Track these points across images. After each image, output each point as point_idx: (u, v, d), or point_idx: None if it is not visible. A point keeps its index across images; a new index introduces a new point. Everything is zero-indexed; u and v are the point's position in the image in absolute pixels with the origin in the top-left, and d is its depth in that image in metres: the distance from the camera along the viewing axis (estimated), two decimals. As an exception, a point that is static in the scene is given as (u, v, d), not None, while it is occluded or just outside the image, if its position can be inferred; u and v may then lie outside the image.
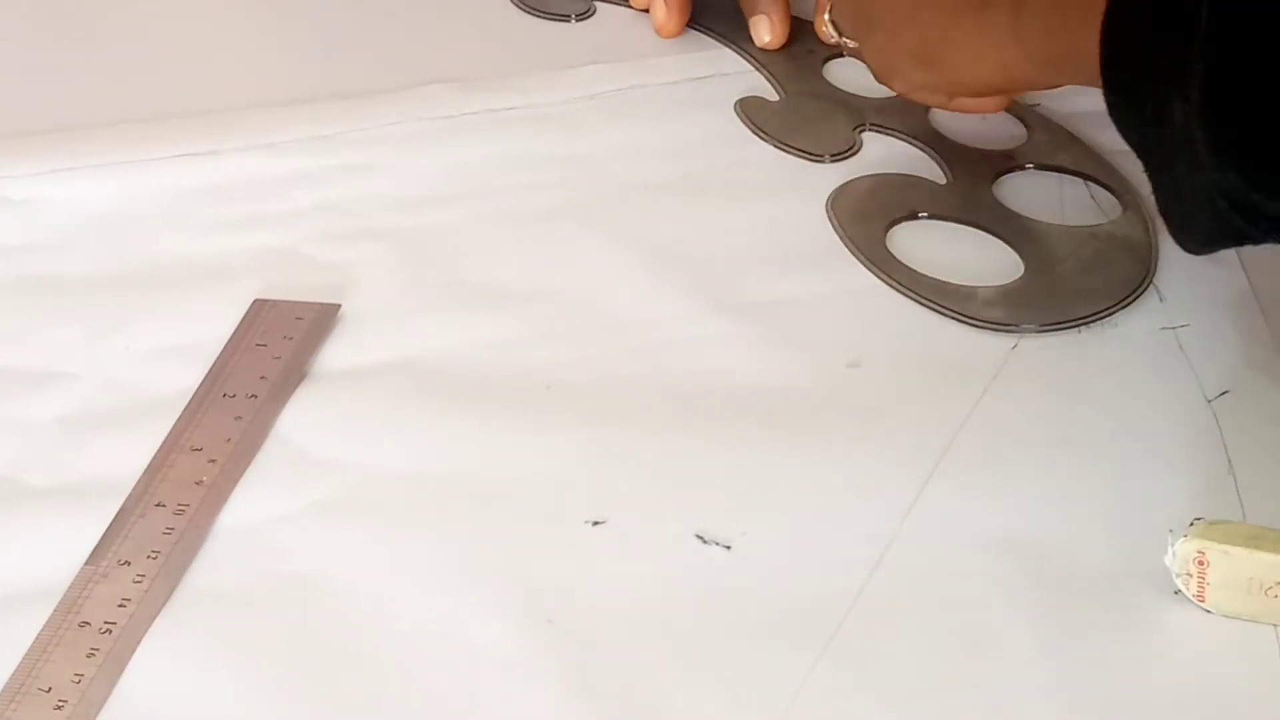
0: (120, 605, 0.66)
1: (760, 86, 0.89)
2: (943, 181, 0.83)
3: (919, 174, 0.83)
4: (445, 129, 0.86)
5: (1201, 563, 0.63)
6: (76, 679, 0.63)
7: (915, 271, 0.78)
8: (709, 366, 0.74)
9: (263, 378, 0.74)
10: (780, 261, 0.79)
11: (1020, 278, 0.77)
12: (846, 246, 0.79)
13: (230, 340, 0.76)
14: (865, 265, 0.78)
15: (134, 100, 0.89)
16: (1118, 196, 0.81)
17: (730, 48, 0.91)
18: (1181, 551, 0.63)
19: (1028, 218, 0.80)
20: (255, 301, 0.77)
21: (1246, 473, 0.68)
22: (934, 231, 0.80)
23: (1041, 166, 0.83)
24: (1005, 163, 0.83)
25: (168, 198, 0.83)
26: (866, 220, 0.81)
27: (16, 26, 0.95)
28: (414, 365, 0.75)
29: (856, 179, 0.83)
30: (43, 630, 0.65)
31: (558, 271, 0.79)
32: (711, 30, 0.92)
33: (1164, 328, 0.74)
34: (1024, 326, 0.75)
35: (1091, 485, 0.69)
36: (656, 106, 0.87)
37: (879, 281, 0.78)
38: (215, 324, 0.76)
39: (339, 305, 0.77)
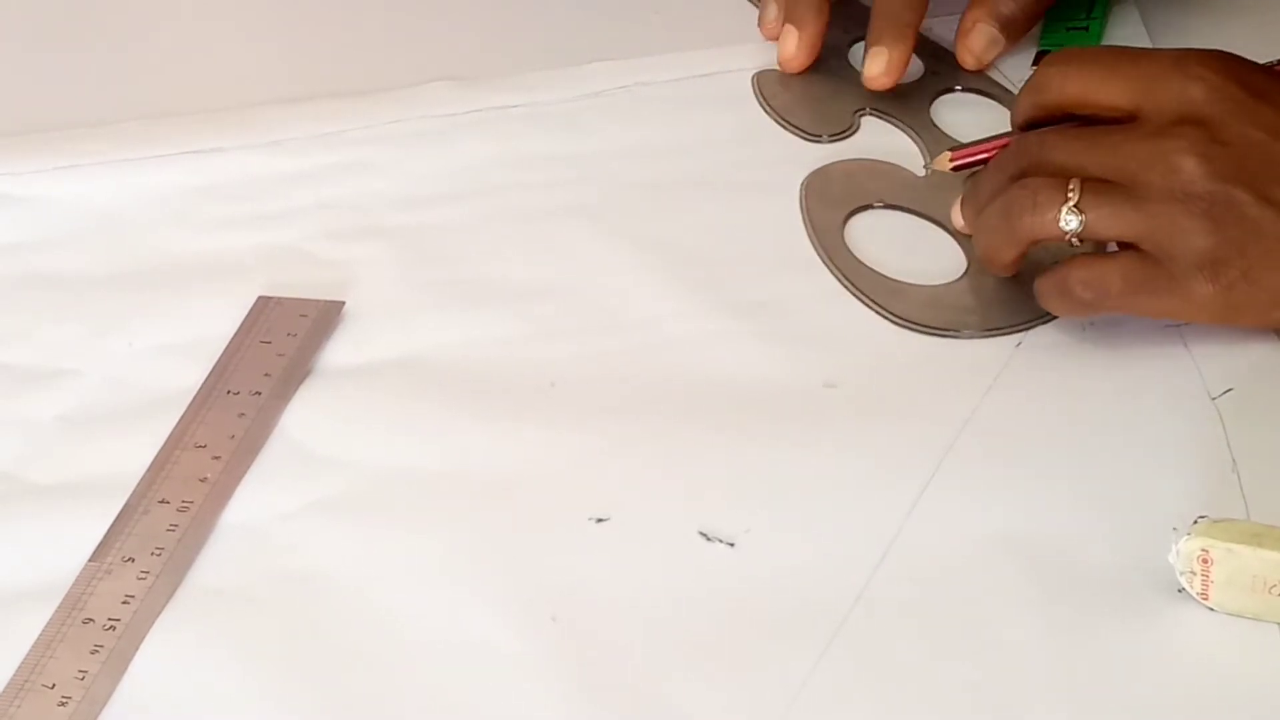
0: (124, 602, 0.66)
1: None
2: (921, 174, 0.83)
3: (901, 164, 0.83)
4: (448, 127, 0.86)
5: (1205, 561, 0.63)
6: (80, 675, 0.64)
7: (858, 261, 0.78)
8: (713, 364, 0.74)
9: (266, 375, 0.74)
10: (785, 259, 0.79)
11: (958, 279, 0.77)
12: (805, 228, 0.79)
13: (234, 337, 0.76)
14: (815, 248, 0.78)
15: (137, 98, 0.88)
16: None
17: None
18: (1185, 550, 0.63)
19: None
20: (259, 299, 0.77)
21: (1250, 470, 0.68)
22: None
23: None
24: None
25: (171, 195, 0.83)
26: (832, 205, 0.80)
27: (19, 23, 0.94)
28: (417, 363, 0.75)
29: (835, 162, 0.83)
30: (47, 627, 0.65)
31: (561, 269, 0.79)
32: None
33: (1168, 325, 0.74)
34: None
35: (1095, 483, 0.69)
36: (660, 104, 0.87)
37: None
38: (219, 321, 0.76)
39: (343, 303, 0.77)
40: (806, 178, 0.82)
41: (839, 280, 0.77)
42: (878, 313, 0.76)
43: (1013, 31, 0.85)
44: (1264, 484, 0.68)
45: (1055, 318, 0.74)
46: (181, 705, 0.64)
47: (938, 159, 0.80)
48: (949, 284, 0.77)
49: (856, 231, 0.79)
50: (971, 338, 0.75)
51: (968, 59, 0.86)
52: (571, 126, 0.86)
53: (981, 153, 0.78)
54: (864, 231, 0.79)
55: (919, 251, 0.78)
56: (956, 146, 0.80)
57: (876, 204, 0.80)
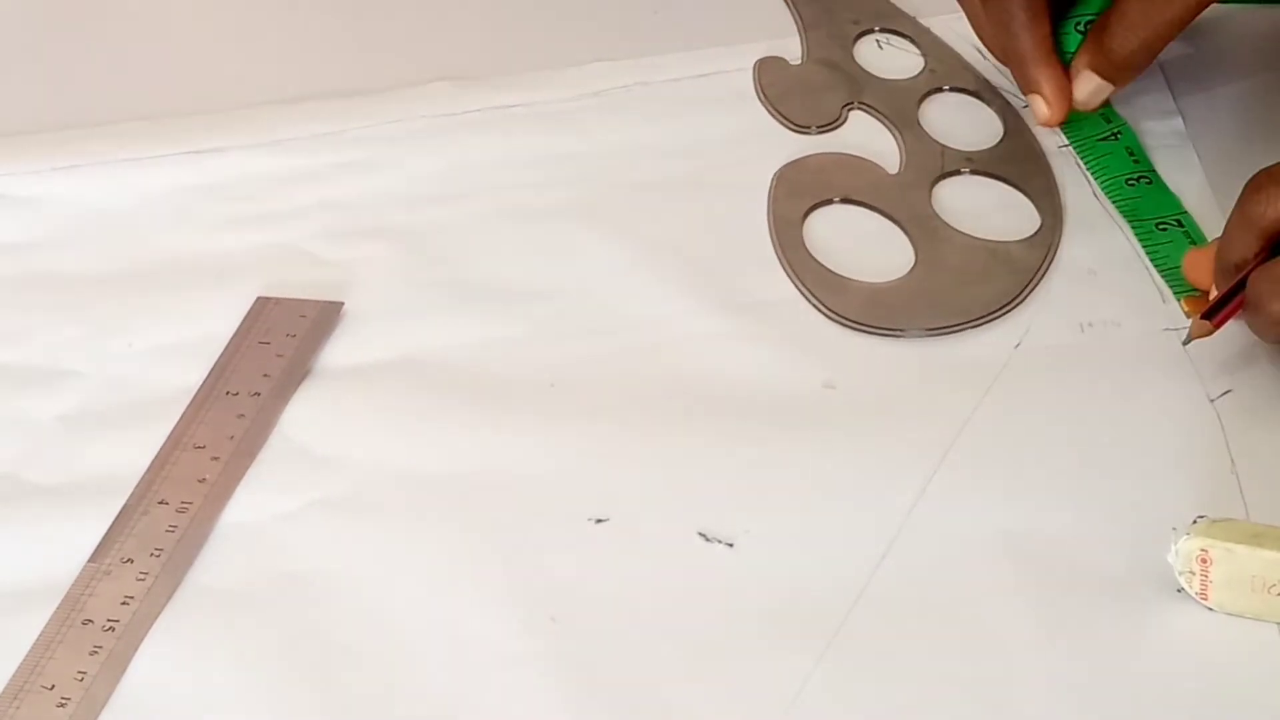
0: (123, 603, 0.66)
1: (792, 49, 0.88)
2: (894, 171, 0.82)
3: (877, 160, 0.83)
4: (448, 126, 0.86)
5: (1204, 561, 0.63)
6: (79, 676, 0.64)
7: (808, 255, 0.78)
8: (712, 364, 0.74)
9: (266, 375, 0.74)
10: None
11: (902, 277, 0.77)
12: (766, 219, 0.79)
13: (233, 338, 0.76)
14: (771, 239, 0.78)
15: (137, 98, 0.88)
16: (1041, 218, 0.79)
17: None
18: (1184, 550, 0.63)
19: (943, 221, 0.79)
20: (258, 299, 0.77)
21: (1249, 471, 0.68)
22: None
23: (986, 174, 0.81)
24: (959, 164, 0.82)
25: (170, 195, 0.83)
26: (797, 198, 0.80)
27: (19, 23, 0.94)
28: (417, 363, 0.75)
29: (810, 155, 0.83)
30: (46, 627, 0.65)
31: (561, 269, 0.79)
32: None
33: (1166, 328, 0.74)
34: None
35: (1094, 484, 0.69)
36: (660, 104, 0.87)
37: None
38: (218, 322, 0.76)
39: (342, 303, 0.77)
40: (780, 169, 0.82)
41: (786, 273, 0.77)
42: (818, 309, 0.76)
43: (1124, 76, 0.82)
44: (1263, 484, 0.68)
45: (1001, 315, 0.75)
46: (181, 706, 0.64)
47: (1196, 327, 0.71)
48: (891, 282, 0.77)
49: (815, 226, 0.79)
50: (915, 338, 0.74)
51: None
52: (571, 126, 0.86)
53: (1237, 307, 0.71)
54: (821, 227, 0.79)
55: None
56: (1206, 311, 0.71)
57: (835, 199, 0.80)
